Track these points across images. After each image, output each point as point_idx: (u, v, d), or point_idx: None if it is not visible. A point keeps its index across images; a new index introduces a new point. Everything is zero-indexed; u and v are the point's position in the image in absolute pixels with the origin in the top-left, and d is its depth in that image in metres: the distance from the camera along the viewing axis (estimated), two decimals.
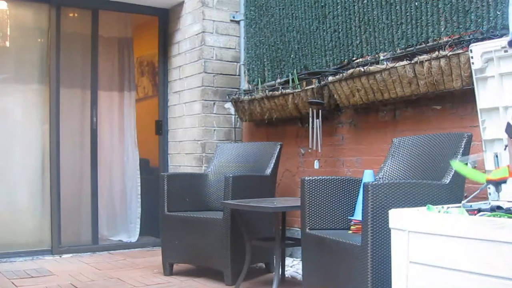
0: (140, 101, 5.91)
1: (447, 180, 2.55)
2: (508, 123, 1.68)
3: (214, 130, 4.72)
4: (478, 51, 2.48)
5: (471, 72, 2.75)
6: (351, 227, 2.87)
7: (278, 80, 4.31)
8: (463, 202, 2.26)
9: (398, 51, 3.33)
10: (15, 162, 4.65)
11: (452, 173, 2.57)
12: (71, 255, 4.61)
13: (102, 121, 5.06)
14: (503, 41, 2.40)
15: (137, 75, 6.14)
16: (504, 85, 2.41)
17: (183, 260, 3.89)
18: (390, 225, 2.10)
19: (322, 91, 3.86)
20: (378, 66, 3.34)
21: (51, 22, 4.71)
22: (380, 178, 3.00)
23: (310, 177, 2.95)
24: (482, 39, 2.75)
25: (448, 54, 2.94)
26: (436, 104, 3.27)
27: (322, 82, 3.85)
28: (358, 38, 3.60)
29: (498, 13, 2.76)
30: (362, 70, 3.41)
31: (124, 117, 5.26)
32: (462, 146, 2.65)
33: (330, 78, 3.71)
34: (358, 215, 2.81)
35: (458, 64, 2.91)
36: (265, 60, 4.46)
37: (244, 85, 4.78)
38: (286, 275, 3.75)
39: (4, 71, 4.67)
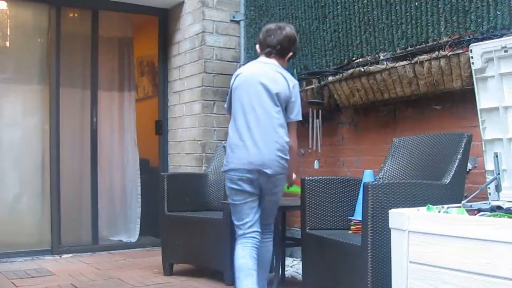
0: (140, 101, 5.91)
1: (447, 180, 2.55)
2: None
3: (214, 130, 4.72)
4: (478, 51, 2.48)
5: (471, 72, 2.74)
6: (351, 227, 2.87)
7: None
8: (463, 202, 2.26)
9: (398, 51, 3.33)
10: (15, 162, 4.65)
11: (452, 173, 2.57)
12: (71, 255, 4.61)
13: (102, 121, 5.05)
14: (503, 41, 2.40)
15: (137, 75, 6.14)
16: (504, 85, 2.41)
17: (183, 260, 3.89)
18: (390, 225, 2.10)
19: (322, 91, 3.86)
20: (378, 66, 3.34)
21: (51, 22, 4.71)
22: (380, 178, 3.00)
23: (310, 177, 2.95)
24: (482, 39, 2.75)
25: (448, 54, 2.94)
26: (436, 104, 3.27)
27: (322, 82, 3.85)
28: (358, 38, 3.60)
29: (498, 13, 2.76)
30: (362, 70, 3.41)
31: (124, 117, 5.26)
32: (462, 146, 2.65)
33: (330, 78, 3.71)
34: (358, 215, 2.81)
35: (458, 64, 2.91)
36: None
37: None
38: (286, 275, 3.74)
39: (4, 71, 4.67)
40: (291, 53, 2.83)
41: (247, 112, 2.71)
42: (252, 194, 2.71)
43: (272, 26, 2.86)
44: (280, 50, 2.78)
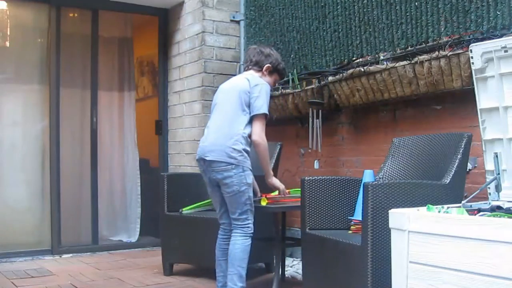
0: (140, 101, 5.91)
1: (447, 180, 2.55)
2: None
3: None
4: (478, 51, 2.48)
5: (471, 72, 2.74)
6: (351, 227, 2.87)
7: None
8: (463, 202, 2.26)
9: (398, 51, 3.33)
10: (15, 162, 4.65)
11: (452, 173, 2.57)
12: (71, 255, 4.61)
13: (102, 121, 5.06)
14: (503, 41, 2.40)
15: (137, 75, 6.13)
16: (504, 85, 2.41)
17: (183, 260, 3.89)
18: (390, 225, 2.10)
19: (322, 91, 3.86)
20: (378, 66, 3.34)
21: (51, 22, 4.71)
22: (380, 178, 3.00)
23: (310, 177, 2.95)
24: (482, 39, 2.75)
25: (448, 54, 2.94)
26: (436, 104, 3.27)
27: (322, 82, 3.85)
28: (358, 38, 3.60)
29: (498, 13, 2.76)
30: (362, 70, 3.41)
31: (124, 117, 5.26)
32: (462, 146, 2.65)
33: (330, 78, 3.71)
34: (358, 215, 2.81)
35: (458, 64, 2.91)
36: None
37: None
38: (286, 275, 3.75)
39: (4, 71, 4.67)
40: (268, 65, 3.13)
41: (213, 113, 3.10)
42: (212, 186, 3.01)
43: (252, 46, 3.31)
44: (255, 63, 3.15)
